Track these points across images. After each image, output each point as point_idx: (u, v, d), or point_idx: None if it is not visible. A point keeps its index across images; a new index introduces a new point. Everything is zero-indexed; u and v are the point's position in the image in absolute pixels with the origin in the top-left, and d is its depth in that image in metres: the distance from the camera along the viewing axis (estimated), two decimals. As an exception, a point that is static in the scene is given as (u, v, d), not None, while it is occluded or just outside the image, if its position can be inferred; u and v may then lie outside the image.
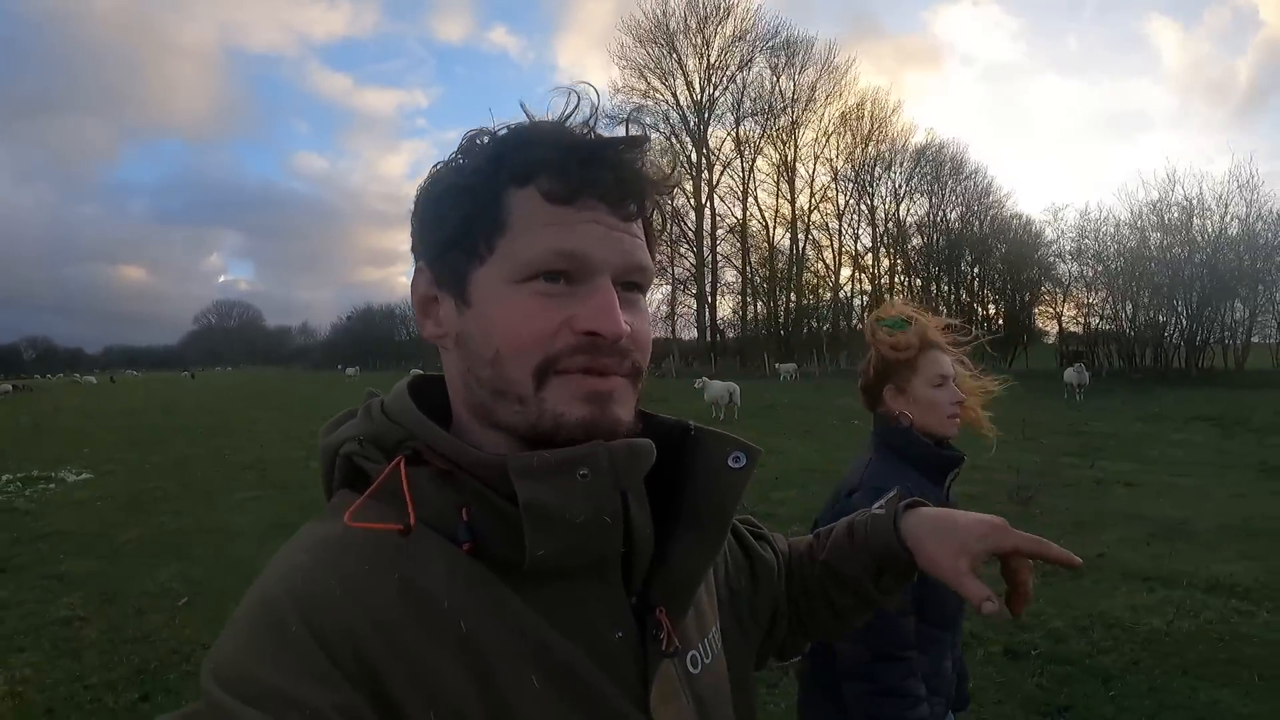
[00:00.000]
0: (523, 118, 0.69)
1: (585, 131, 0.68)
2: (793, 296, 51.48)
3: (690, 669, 0.75)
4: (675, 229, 50.33)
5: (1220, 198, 32.53)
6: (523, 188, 0.66)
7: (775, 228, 51.63)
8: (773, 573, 0.97)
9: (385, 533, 0.63)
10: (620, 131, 0.70)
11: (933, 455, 1.86)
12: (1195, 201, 33.04)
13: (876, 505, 0.94)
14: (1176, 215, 33.29)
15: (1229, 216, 32.55)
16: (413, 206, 0.73)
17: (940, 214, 48.70)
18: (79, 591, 6.14)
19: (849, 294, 52.28)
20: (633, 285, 0.70)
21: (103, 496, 10.58)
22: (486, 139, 0.69)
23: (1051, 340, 42.90)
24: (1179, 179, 39.58)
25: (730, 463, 0.75)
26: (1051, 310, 40.75)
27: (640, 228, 0.71)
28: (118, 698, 4.20)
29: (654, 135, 0.70)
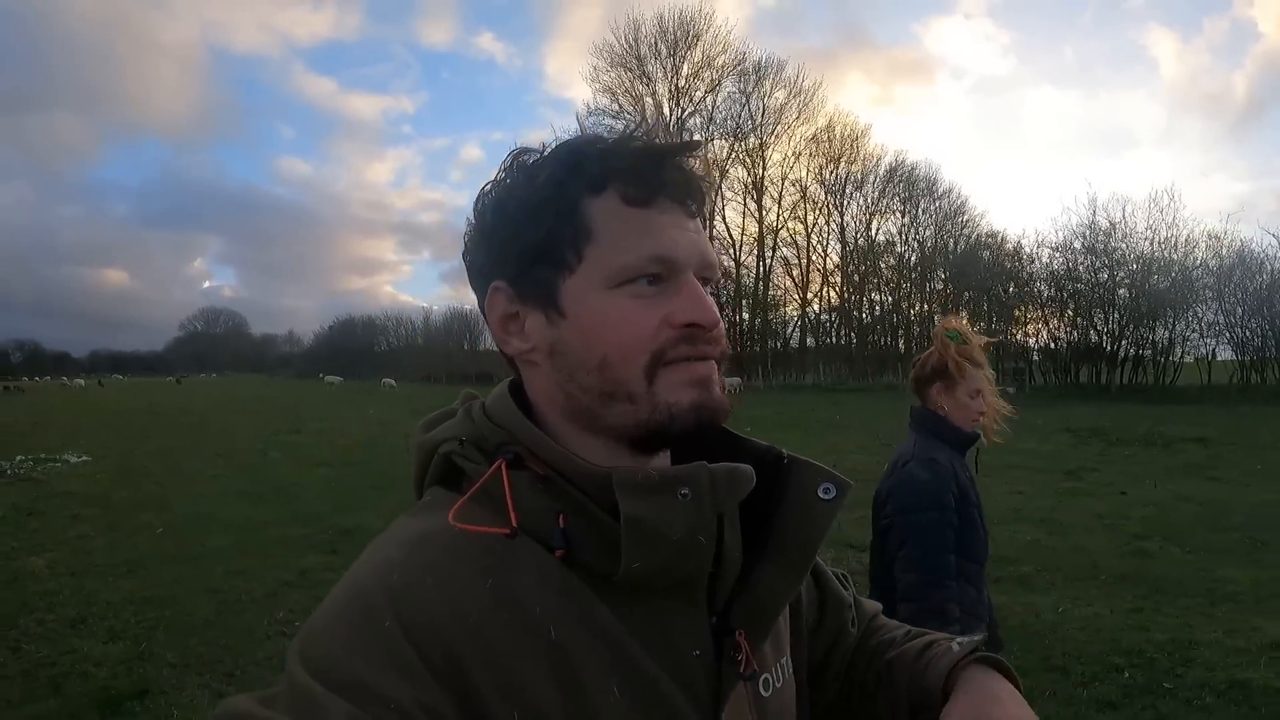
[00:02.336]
0: (547, 136, 0.73)
1: (647, 139, 0.71)
2: (757, 313, 53.85)
3: (762, 692, 0.75)
4: None
5: (1150, 225, 35.14)
6: (599, 195, 0.68)
7: (742, 246, 53.81)
8: (843, 616, 0.96)
9: (481, 534, 0.64)
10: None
11: (959, 436, 2.44)
12: (1119, 225, 35.58)
13: (959, 640, 0.85)
14: (1100, 239, 35.87)
15: (1152, 240, 35.12)
16: (474, 227, 0.74)
17: (913, 231, 50.69)
18: (88, 525, 9.05)
19: (816, 310, 54.40)
20: (705, 279, 0.72)
21: (100, 472, 13.66)
22: (536, 156, 0.72)
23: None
24: (1099, 205, 41.52)
25: (820, 494, 0.75)
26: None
27: (701, 225, 0.73)
28: (113, 572, 7.03)
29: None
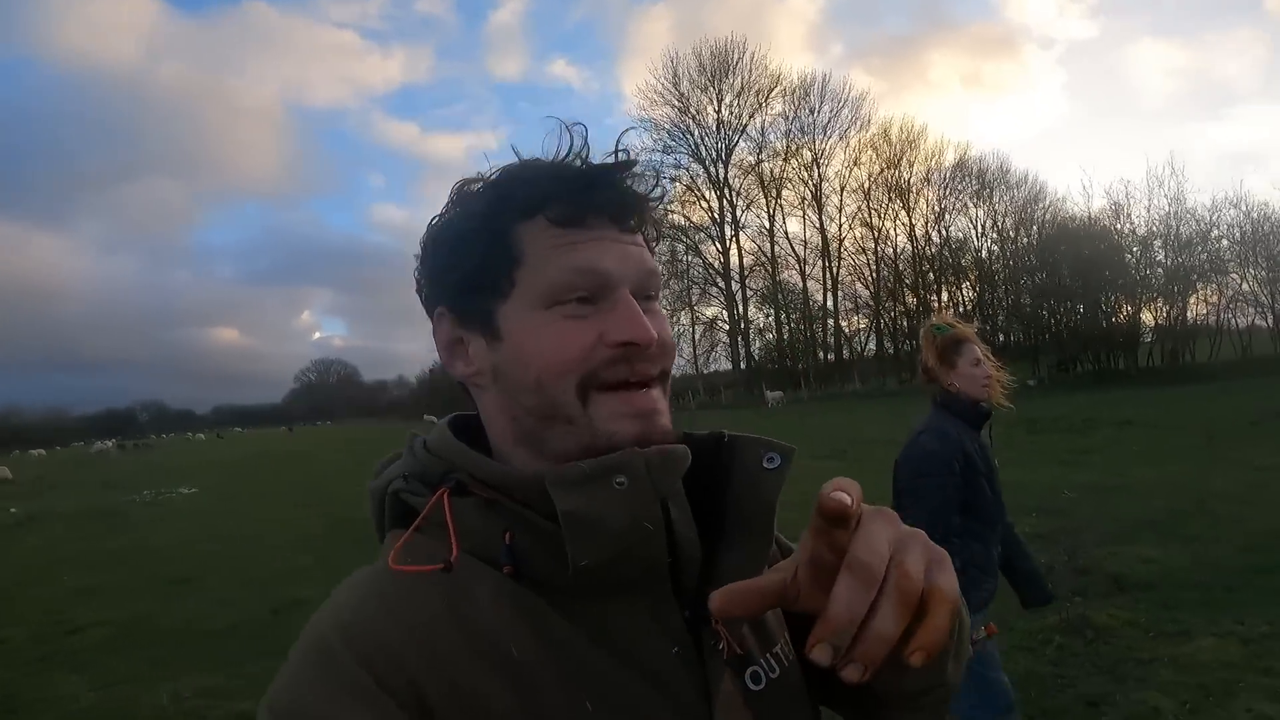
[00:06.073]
0: (504, 161, 0.75)
1: (579, 162, 0.73)
2: (828, 324, 55.78)
3: (750, 685, 0.73)
4: (702, 268, 56.02)
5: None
6: (530, 219, 0.71)
7: (805, 259, 55.48)
8: None
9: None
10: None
11: (970, 410, 2.84)
12: (1120, 206, 36.52)
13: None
14: (1105, 222, 37.14)
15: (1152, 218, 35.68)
16: (420, 258, 0.78)
17: (991, 223, 49.56)
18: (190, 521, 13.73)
19: (888, 319, 54.90)
20: (648, 295, 0.73)
21: (205, 496, 18.88)
22: (479, 185, 0.75)
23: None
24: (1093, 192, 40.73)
25: (765, 464, 0.75)
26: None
27: (643, 239, 0.76)
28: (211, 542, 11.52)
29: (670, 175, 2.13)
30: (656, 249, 0.79)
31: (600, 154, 0.74)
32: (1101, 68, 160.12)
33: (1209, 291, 35.84)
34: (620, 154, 0.74)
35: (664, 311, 0.77)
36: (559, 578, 0.65)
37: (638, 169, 0.75)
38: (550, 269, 0.70)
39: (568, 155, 0.73)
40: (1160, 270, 35.83)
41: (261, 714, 0.59)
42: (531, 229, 0.71)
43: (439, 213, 0.77)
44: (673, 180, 49.05)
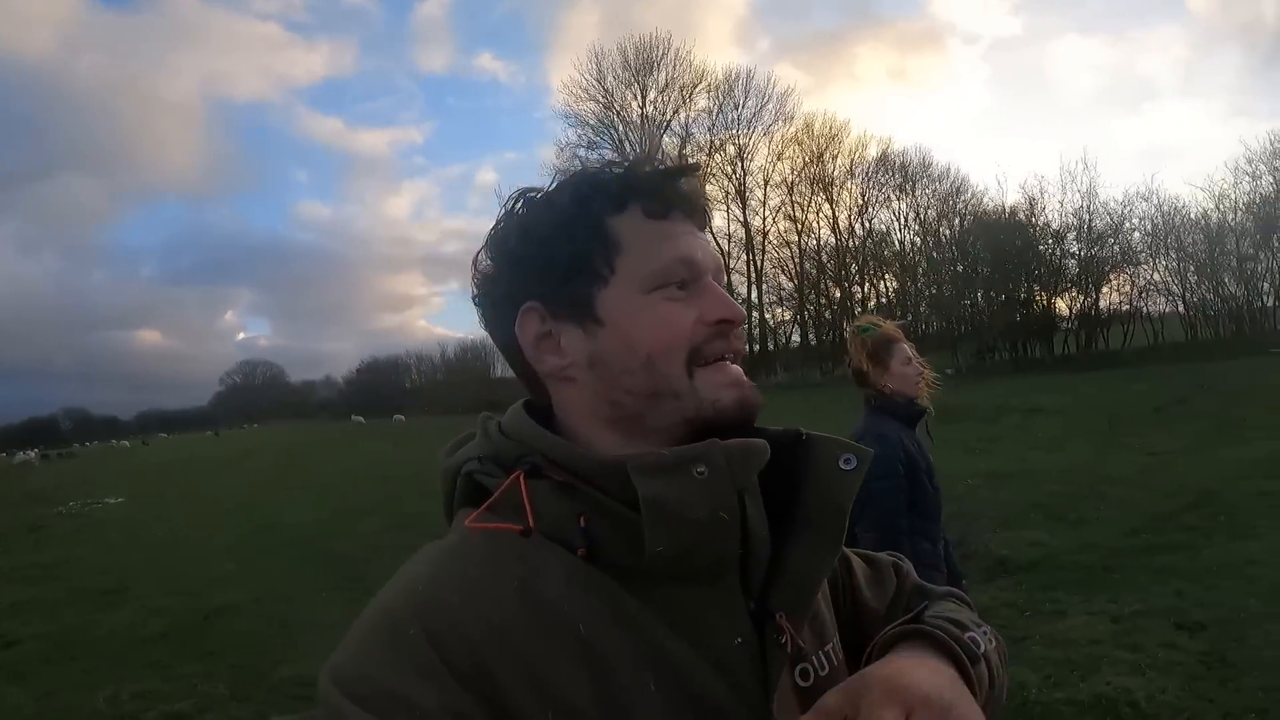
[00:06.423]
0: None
1: (656, 163, 0.80)
2: (752, 317, 55.93)
3: (800, 681, 0.75)
4: None
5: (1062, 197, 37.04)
6: (622, 212, 0.77)
7: (729, 252, 55.57)
8: (890, 585, 0.97)
9: (503, 540, 0.68)
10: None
11: (904, 409, 2.90)
12: (1035, 200, 37.83)
13: (917, 615, 0.79)
14: (1021, 216, 38.39)
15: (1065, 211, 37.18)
16: (494, 259, 0.81)
17: (914, 215, 50.42)
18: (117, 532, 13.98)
19: (811, 312, 55.55)
20: (720, 284, 0.80)
21: (131, 505, 18.99)
22: (545, 191, 0.80)
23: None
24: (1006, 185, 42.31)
25: (842, 465, 0.77)
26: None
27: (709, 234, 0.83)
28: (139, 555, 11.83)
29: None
30: None
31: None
32: (1024, 63, 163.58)
33: (1121, 281, 37.17)
34: (685, 159, 0.92)
35: None
36: (631, 563, 0.67)
37: (700, 172, 0.83)
38: (652, 257, 0.76)
39: (642, 158, 0.81)
40: (1073, 261, 37.30)
41: (323, 678, 0.61)
42: (627, 220, 0.77)
43: (504, 214, 0.81)
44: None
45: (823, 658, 0.79)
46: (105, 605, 8.52)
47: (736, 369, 0.77)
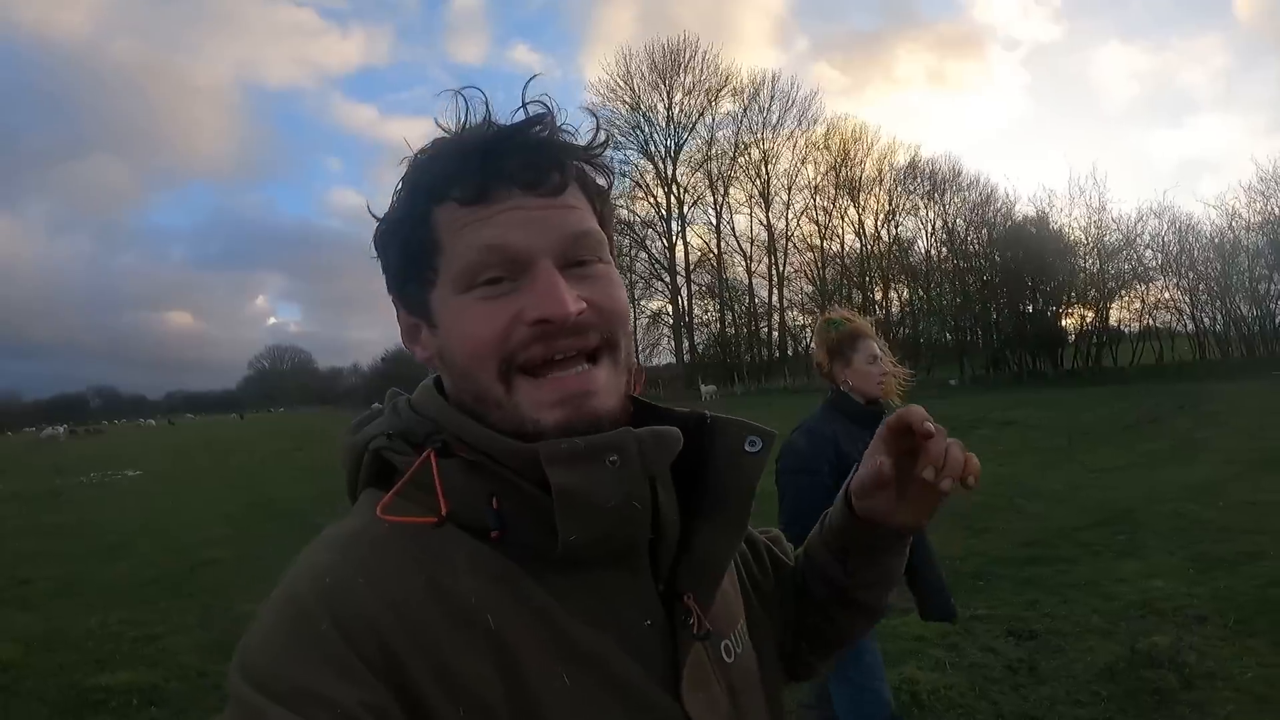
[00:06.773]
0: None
1: (485, 129, 0.70)
2: (773, 320, 56.40)
3: (725, 657, 0.76)
4: (647, 262, 56.57)
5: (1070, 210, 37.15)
6: (441, 204, 0.70)
7: (751, 255, 56.37)
8: (785, 566, 0.98)
9: (410, 527, 0.65)
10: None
11: (858, 409, 2.75)
12: (1044, 215, 37.85)
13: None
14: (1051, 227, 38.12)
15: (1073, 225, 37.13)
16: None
17: (942, 224, 49.01)
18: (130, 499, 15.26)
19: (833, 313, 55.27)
20: (581, 260, 0.71)
21: (147, 479, 20.43)
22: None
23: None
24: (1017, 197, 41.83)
25: (747, 447, 0.76)
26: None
27: (576, 196, 0.72)
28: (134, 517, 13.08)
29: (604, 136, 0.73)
30: (606, 201, 0.76)
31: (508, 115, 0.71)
32: (1065, 70, 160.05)
33: (1131, 298, 36.96)
34: (532, 107, 0.71)
35: (613, 273, 0.74)
36: (543, 547, 0.66)
37: (552, 120, 0.71)
38: (462, 251, 0.68)
39: (465, 130, 0.71)
40: (1083, 276, 37.18)
41: (233, 674, 0.58)
42: (444, 213, 0.70)
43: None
44: (621, 175, 49.17)
45: (735, 637, 0.80)
46: (109, 557, 9.66)
47: (575, 379, 0.69)
